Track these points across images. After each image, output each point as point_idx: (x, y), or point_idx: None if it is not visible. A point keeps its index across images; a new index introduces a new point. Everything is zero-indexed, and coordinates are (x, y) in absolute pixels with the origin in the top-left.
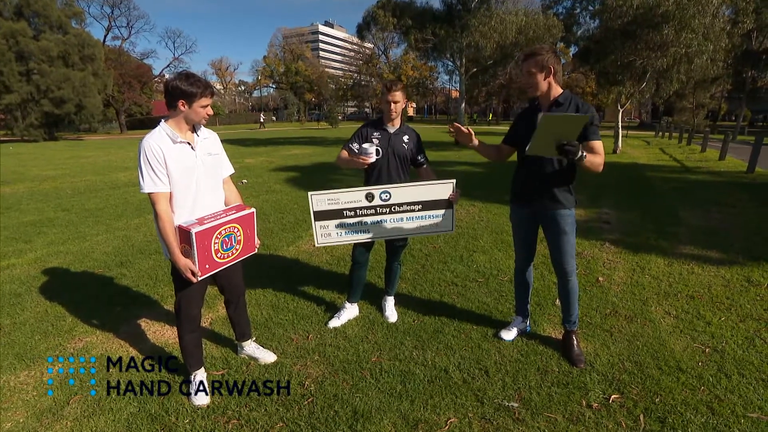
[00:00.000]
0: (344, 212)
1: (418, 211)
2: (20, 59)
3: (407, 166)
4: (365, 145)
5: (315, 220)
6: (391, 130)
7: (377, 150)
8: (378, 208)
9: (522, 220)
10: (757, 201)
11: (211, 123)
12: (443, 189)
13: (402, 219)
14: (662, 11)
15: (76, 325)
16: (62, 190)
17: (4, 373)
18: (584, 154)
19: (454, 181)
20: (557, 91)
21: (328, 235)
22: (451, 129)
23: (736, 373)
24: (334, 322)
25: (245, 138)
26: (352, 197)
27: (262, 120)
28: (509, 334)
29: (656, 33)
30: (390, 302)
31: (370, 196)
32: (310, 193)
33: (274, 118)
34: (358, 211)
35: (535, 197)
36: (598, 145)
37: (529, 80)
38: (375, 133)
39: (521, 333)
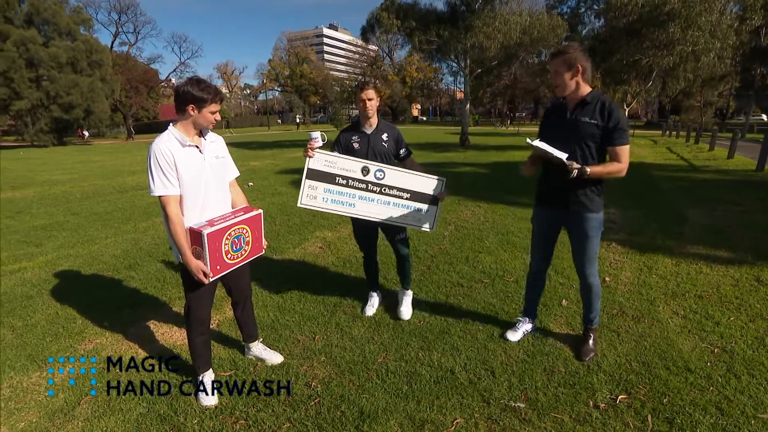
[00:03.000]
0: (336, 178)
1: (405, 199)
2: (30, 66)
3: (390, 163)
4: (311, 133)
5: (306, 178)
6: (369, 131)
7: (322, 135)
8: (369, 185)
9: (545, 222)
10: (766, 200)
11: (217, 127)
12: (430, 183)
13: (389, 203)
14: (668, 9)
15: (86, 327)
16: (71, 194)
17: (17, 374)
18: (586, 171)
19: (444, 180)
20: (585, 90)
21: (314, 197)
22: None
23: (746, 374)
24: (370, 311)
25: (251, 141)
26: (348, 165)
27: (298, 121)
28: (515, 335)
29: (662, 31)
30: (407, 297)
31: (365, 170)
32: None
33: (279, 121)
34: (350, 181)
35: (561, 199)
36: (622, 150)
37: (556, 79)
38: (354, 137)
39: (527, 334)
